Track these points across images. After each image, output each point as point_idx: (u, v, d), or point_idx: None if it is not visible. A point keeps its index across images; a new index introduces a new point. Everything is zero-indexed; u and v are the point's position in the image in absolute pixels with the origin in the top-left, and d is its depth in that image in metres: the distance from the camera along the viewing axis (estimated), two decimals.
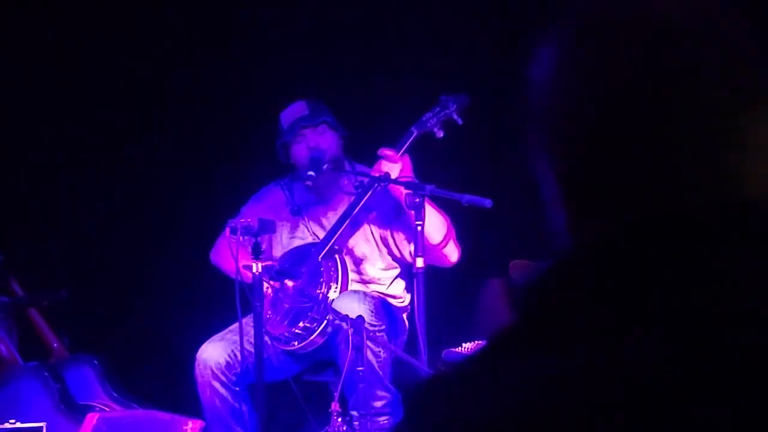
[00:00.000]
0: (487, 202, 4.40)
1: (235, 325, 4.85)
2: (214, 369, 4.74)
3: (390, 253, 4.97)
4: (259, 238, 4.31)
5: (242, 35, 6.04)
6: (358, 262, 4.95)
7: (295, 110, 4.99)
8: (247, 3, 6.03)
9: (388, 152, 4.71)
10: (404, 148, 4.73)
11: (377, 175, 4.72)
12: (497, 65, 5.65)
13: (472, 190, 4.50)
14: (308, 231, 5.02)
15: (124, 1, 6.02)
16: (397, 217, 4.88)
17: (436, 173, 4.77)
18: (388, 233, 4.95)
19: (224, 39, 6.06)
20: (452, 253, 4.82)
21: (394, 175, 4.68)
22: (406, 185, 4.58)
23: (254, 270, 4.26)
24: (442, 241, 4.75)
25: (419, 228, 4.50)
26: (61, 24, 5.97)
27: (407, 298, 5.01)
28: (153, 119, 6.10)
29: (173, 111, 6.11)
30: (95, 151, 6.09)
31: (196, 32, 6.04)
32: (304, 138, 4.93)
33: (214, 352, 4.77)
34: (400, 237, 4.91)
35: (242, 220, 4.32)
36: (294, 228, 5.04)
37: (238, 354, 4.76)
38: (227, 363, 4.76)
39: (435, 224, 4.71)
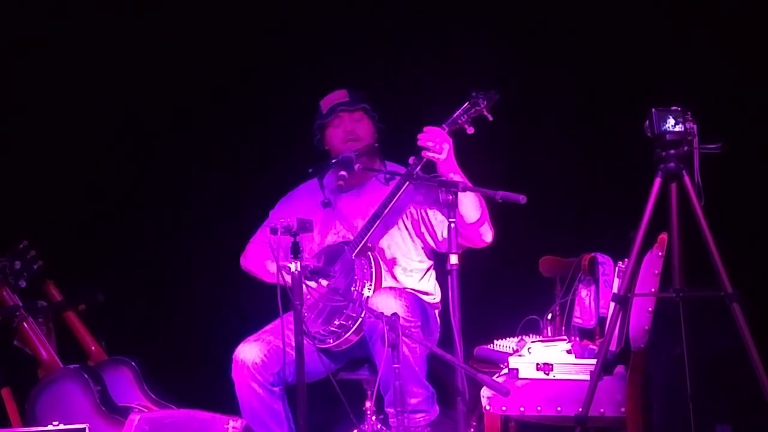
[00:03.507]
0: (521, 198, 4.52)
1: (271, 325, 5.06)
2: (251, 369, 4.93)
3: (424, 244, 5.14)
4: (297, 238, 4.44)
5: (270, 41, 6.25)
6: (390, 259, 5.13)
7: (335, 96, 5.21)
8: (278, 4, 6.22)
9: (430, 128, 4.84)
10: (447, 124, 4.86)
11: (414, 162, 4.86)
12: (527, 61, 5.79)
13: (500, 186, 4.63)
14: (341, 224, 5.20)
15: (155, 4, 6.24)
16: (434, 198, 5.00)
17: (468, 169, 4.92)
18: (420, 219, 5.11)
19: (252, 42, 6.27)
20: (487, 233, 4.99)
21: (443, 156, 4.81)
22: (439, 183, 4.73)
23: (293, 269, 4.40)
24: (479, 219, 4.92)
25: (452, 225, 4.64)
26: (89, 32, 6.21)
27: (438, 295, 5.19)
28: (186, 127, 6.30)
29: (206, 119, 6.31)
30: (129, 158, 6.32)
31: (226, 34, 6.26)
32: (342, 121, 5.15)
33: (251, 353, 4.95)
34: (435, 217, 5.06)
35: (282, 220, 4.44)
36: (326, 222, 5.22)
37: (275, 354, 4.94)
38: (264, 363, 4.94)
39: (472, 202, 4.87)
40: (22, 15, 6.11)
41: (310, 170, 5.14)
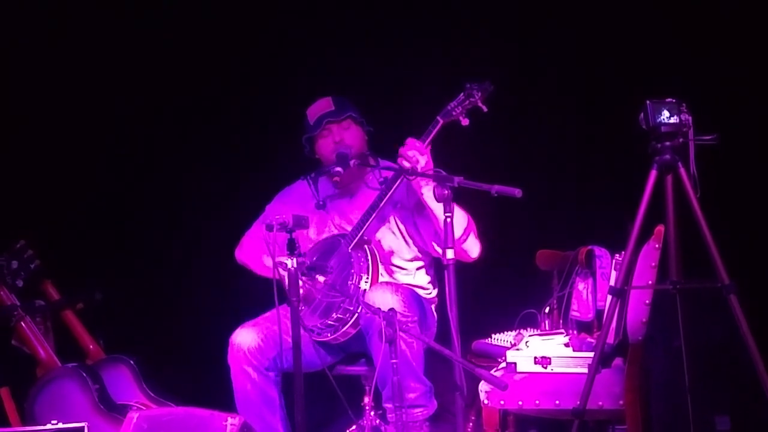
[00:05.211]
0: (517, 192, 4.49)
1: (269, 313, 5.06)
2: (247, 353, 4.95)
3: (416, 244, 5.14)
4: (293, 234, 4.43)
5: (266, 36, 6.24)
6: (385, 253, 5.12)
7: (320, 106, 5.17)
8: (276, 3, 6.21)
9: (413, 143, 4.85)
10: (429, 140, 4.86)
11: (403, 168, 4.85)
12: (523, 54, 5.78)
13: (497, 180, 4.59)
14: (334, 225, 5.20)
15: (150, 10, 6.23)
16: (420, 213, 5.03)
17: (463, 163, 4.88)
18: (413, 227, 5.11)
19: (245, 42, 6.25)
20: (473, 248, 4.97)
21: (420, 167, 4.82)
22: (435, 178, 4.70)
23: (289, 265, 4.39)
24: (462, 235, 4.89)
25: (448, 219, 4.60)
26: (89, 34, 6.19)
27: (434, 289, 5.19)
28: (182, 124, 6.29)
29: (203, 118, 6.30)
30: (126, 157, 6.30)
31: (218, 35, 6.24)
32: (330, 132, 5.12)
33: (247, 337, 4.97)
34: (424, 231, 5.07)
35: (277, 217, 4.45)
36: (320, 222, 5.21)
37: (272, 340, 4.94)
38: (260, 347, 4.96)
39: (455, 218, 4.76)
40: (22, 15, 6.10)
41: (310, 176, 5.19)
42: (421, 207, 4.96)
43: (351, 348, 5.03)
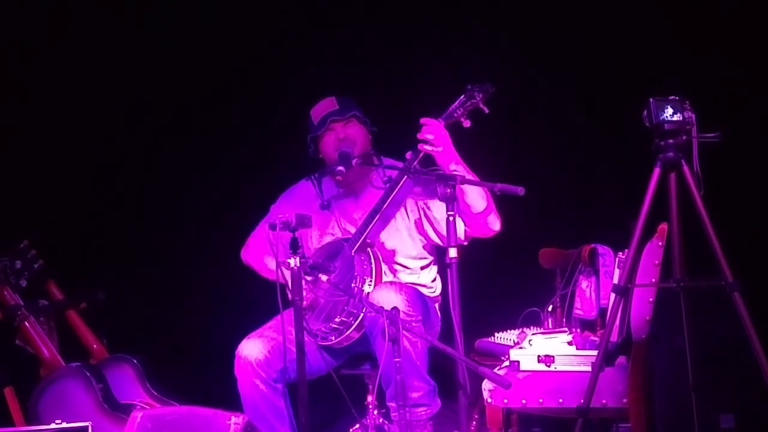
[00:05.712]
0: (520, 190, 4.51)
1: (273, 322, 5.05)
2: (254, 366, 4.93)
3: (427, 241, 5.12)
4: (296, 233, 4.43)
5: (267, 37, 6.25)
6: (389, 254, 5.11)
7: (324, 105, 5.18)
8: (277, 3, 6.21)
9: (428, 120, 4.85)
10: (444, 117, 4.87)
11: (411, 157, 4.87)
12: (526, 53, 5.79)
13: (499, 178, 4.62)
14: (338, 226, 5.19)
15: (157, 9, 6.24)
16: (434, 191, 4.96)
17: (466, 161, 4.90)
18: (423, 216, 5.10)
19: (246, 42, 6.26)
20: (495, 222, 4.97)
21: (441, 148, 4.82)
22: (437, 177, 4.71)
23: (292, 264, 4.39)
24: (486, 208, 4.91)
25: (451, 219, 4.62)
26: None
27: (438, 288, 5.18)
28: (184, 123, 6.30)
29: (206, 118, 6.32)
30: (130, 156, 6.31)
31: (218, 35, 6.26)
32: (334, 131, 5.12)
33: (254, 349, 4.94)
34: (439, 212, 5.02)
35: (280, 216, 4.45)
36: (324, 223, 5.21)
37: (278, 351, 4.92)
38: (267, 360, 4.93)
39: (477, 192, 4.87)
40: (22, 15, 6.10)
41: (314, 176, 5.20)
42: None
43: (354, 349, 5.02)
